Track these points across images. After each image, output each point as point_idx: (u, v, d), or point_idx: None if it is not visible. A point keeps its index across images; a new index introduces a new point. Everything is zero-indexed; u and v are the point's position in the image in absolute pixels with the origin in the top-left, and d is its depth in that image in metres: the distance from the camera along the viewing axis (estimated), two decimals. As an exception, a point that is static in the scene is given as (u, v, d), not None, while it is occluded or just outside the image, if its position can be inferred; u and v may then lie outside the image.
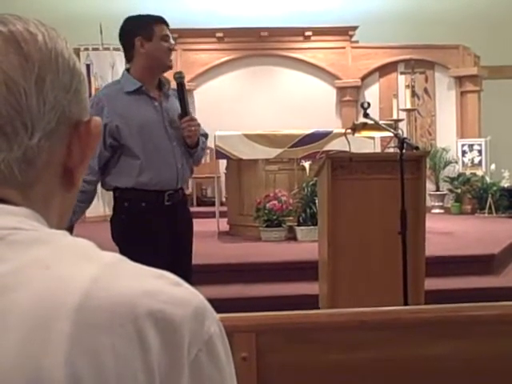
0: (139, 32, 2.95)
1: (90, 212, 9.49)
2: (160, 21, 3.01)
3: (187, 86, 10.88)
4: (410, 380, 1.57)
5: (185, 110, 3.01)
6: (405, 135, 8.74)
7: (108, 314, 0.58)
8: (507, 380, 1.67)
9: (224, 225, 7.59)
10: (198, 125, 3.01)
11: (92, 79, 9.46)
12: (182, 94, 3.05)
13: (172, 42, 3.03)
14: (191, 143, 3.01)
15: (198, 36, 10.51)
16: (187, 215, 3.30)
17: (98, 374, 0.56)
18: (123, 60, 10.46)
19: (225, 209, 7.91)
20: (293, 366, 1.44)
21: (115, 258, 0.64)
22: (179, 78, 3.09)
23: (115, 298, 0.58)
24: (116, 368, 0.57)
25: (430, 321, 1.52)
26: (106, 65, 9.51)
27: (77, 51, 9.46)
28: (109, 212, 9.76)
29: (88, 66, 9.47)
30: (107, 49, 9.52)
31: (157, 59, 2.96)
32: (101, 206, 9.70)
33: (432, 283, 4.71)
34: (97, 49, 9.50)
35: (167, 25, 3.04)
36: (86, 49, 9.46)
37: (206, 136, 3.21)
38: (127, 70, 3.07)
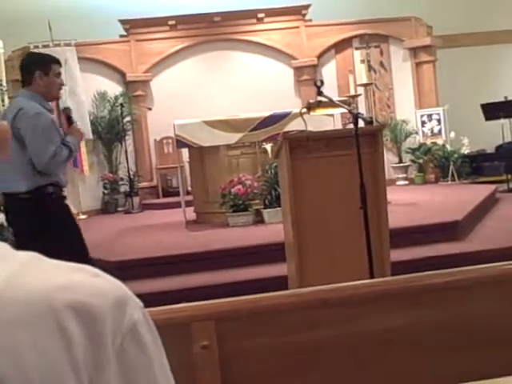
0: (39, 67, 3.75)
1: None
2: (56, 62, 3.85)
3: (145, 77, 10.73)
4: (373, 353, 1.59)
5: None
6: (363, 110, 8.79)
7: (25, 309, 0.57)
8: (477, 343, 1.70)
9: (191, 214, 7.57)
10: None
11: (45, 77, 9.30)
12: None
13: (63, 79, 3.90)
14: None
15: (150, 25, 10.39)
16: None
17: (22, 372, 0.55)
18: (75, 56, 10.32)
19: (191, 198, 7.88)
20: (255, 349, 1.44)
21: (30, 256, 0.63)
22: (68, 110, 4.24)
23: (32, 293, 0.58)
24: (39, 364, 0.56)
25: (388, 293, 1.54)
26: (58, 61, 9.35)
27: (27, 49, 9.28)
28: (74, 211, 9.67)
29: (40, 64, 9.30)
30: (58, 45, 9.36)
31: (50, 91, 3.81)
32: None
33: (399, 254, 4.78)
34: (47, 46, 9.32)
35: (61, 65, 3.91)
36: (36, 46, 9.28)
37: None
38: (24, 91, 3.83)
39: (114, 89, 10.30)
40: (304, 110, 3.87)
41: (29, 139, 3.63)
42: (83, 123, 9.62)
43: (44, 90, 3.74)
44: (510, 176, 9.78)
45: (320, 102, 3.77)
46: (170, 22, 10.43)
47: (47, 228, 3.66)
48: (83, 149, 9.67)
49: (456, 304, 1.67)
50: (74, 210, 9.60)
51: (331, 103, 3.67)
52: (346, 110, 5.16)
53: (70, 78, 9.43)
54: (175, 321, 1.30)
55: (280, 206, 6.22)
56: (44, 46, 9.29)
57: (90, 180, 9.95)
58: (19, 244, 3.66)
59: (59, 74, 3.82)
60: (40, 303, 0.57)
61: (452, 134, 10.02)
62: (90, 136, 9.77)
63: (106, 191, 10.07)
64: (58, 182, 3.79)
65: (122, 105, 9.88)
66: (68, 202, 9.86)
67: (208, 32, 10.48)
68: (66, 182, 3.92)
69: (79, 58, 9.65)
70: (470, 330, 1.70)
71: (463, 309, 1.69)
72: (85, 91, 9.68)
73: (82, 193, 9.79)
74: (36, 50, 9.26)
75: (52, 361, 0.57)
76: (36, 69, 3.73)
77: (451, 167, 9.77)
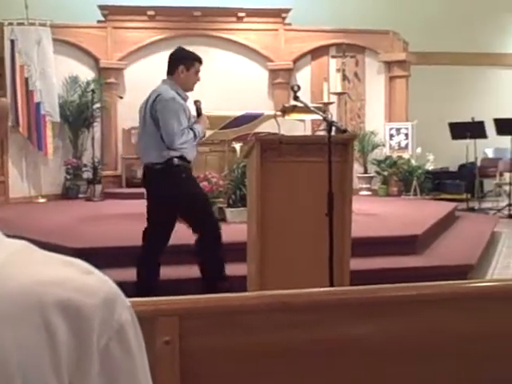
0: (186, 62, 4.46)
1: (14, 193, 9.23)
2: (199, 60, 4.55)
3: (119, 64, 10.59)
4: (333, 361, 1.61)
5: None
6: (334, 118, 8.88)
7: (12, 304, 0.55)
8: (426, 357, 1.73)
9: (154, 206, 7.50)
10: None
11: (16, 55, 9.12)
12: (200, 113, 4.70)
13: (200, 76, 4.58)
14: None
15: (128, 13, 10.29)
16: None
17: (2, 366, 0.53)
18: (50, 37, 10.15)
19: (155, 190, 7.81)
20: (216, 349, 1.45)
21: (21, 245, 0.61)
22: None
23: (21, 287, 0.56)
24: (21, 360, 0.54)
25: (351, 302, 1.56)
26: (31, 41, 9.17)
27: (0, 26, 9.10)
28: (34, 193, 9.52)
29: (12, 42, 9.11)
30: (33, 24, 9.18)
31: (187, 84, 4.52)
32: (25, 187, 9.43)
33: (358, 263, 4.82)
34: (22, 24, 9.14)
35: (202, 64, 4.60)
36: (11, 23, 9.10)
37: None
38: (167, 79, 4.59)
39: (86, 74, 10.15)
40: (279, 113, 3.89)
41: (161, 120, 4.32)
42: (52, 106, 9.48)
43: (182, 82, 4.48)
44: (469, 195, 9.98)
45: (295, 106, 3.79)
46: (150, 13, 10.35)
47: (175, 193, 4.38)
48: (49, 132, 9.53)
49: (414, 317, 1.70)
50: (32, 193, 9.48)
51: (306, 109, 3.69)
52: (316, 117, 5.21)
53: (43, 59, 9.28)
54: (140, 314, 1.30)
55: (244, 206, 6.23)
56: (19, 24, 9.11)
57: (52, 164, 9.80)
58: (151, 206, 4.53)
59: (198, 71, 4.54)
60: (28, 298, 0.56)
61: (418, 150, 10.18)
62: (58, 119, 9.63)
63: (68, 176, 9.93)
64: (184, 157, 4.44)
65: (93, 91, 9.76)
66: (28, 184, 9.69)
67: (187, 26, 10.43)
68: (193, 157, 4.59)
69: (54, 40, 9.50)
70: (424, 343, 1.74)
71: (421, 323, 1.72)
72: (56, 74, 9.52)
73: (44, 176, 9.64)
74: (10, 28, 9.10)
75: (34, 357, 0.55)
76: (181, 63, 4.45)
77: (414, 182, 9.92)
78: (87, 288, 0.60)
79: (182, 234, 6.06)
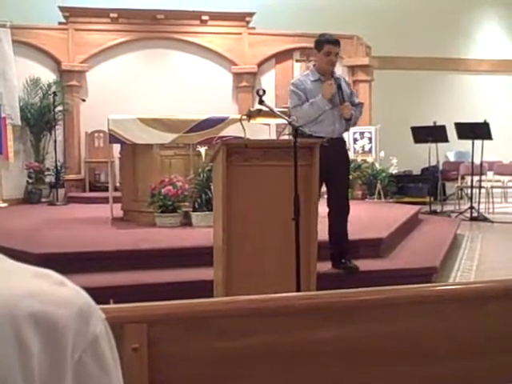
0: (317, 46, 4.90)
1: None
2: (331, 42, 4.87)
3: (81, 67, 10.45)
4: (302, 364, 1.60)
5: (341, 100, 4.78)
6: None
7: None
8: (394, 360, 1.74)
9: (118, 211, 7.43)
10: (350, 108, 4.81)
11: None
12: (341, 91, 4.79)
13: (333, 57, 4.85)
14: (346, 117, 4.80)
15: (90, 15, 10.17)
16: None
17: None
18: (10, 38, 9.97)
19: (119, 194, 7.74)
20: (185, 355, 1.43)
21: None
22: (338, 80, 4.88)
23: None
24: None
25: (320, 306, 1.56)
26: (-11, 41, 9.00)
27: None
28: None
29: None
30: (-8, 24, 9.02)
31: (321, 65, 4.89)
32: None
33: (322, 266, 4.85)
34: (-21, 24, 8.97)
35: (337, 45, 4.92)
36: (-32, 24, 8.92)
37: (357, 105, 5.00)
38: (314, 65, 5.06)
39: (47, 76, 10.01)
40: (244, 117, 3.89)
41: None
42: (12, 108, 9.31)
43: (318, 65, 4.91)
44: (432, 198, 10.13)
45: (261, 110, 3.79)
46: (112, 15, 10.24)
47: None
48: (9, 135, 9.34)
49: (383, 320, 1.71)
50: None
51: (272, 113, 3.69)
52: (281, 121, 5.22)
53: (3, 60, 9.11)
54: (107, 321, 1.28)
55: (209, 210, 6.21)
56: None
57: (13, 167, 9.61)
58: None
59: (329, 53, 4.80)
60: (0, 311, 0.54)
61: (382, 153, 10.29)
62: (19, 122, 9.45)
63: (30, 180, 9.75)
64: (306, 133, 4.44)
65: (54, 93, 9.61)
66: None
67: (150, 29, 10.37)
68: (326, 132, 4.57)
69: (14, 41, 9.33)
70: (393, 345, 1.75)
71: (389, 325, 1.73)
72: (17, 76, 9.35)
73: (5, 180, 9.46)
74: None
75: (5, 372, 0.53)
76: (315, 48, 4.91)
77: (378, 185, 10.02)
78: (61, 300, 0.58)
79: (133, 239, 6.03)
